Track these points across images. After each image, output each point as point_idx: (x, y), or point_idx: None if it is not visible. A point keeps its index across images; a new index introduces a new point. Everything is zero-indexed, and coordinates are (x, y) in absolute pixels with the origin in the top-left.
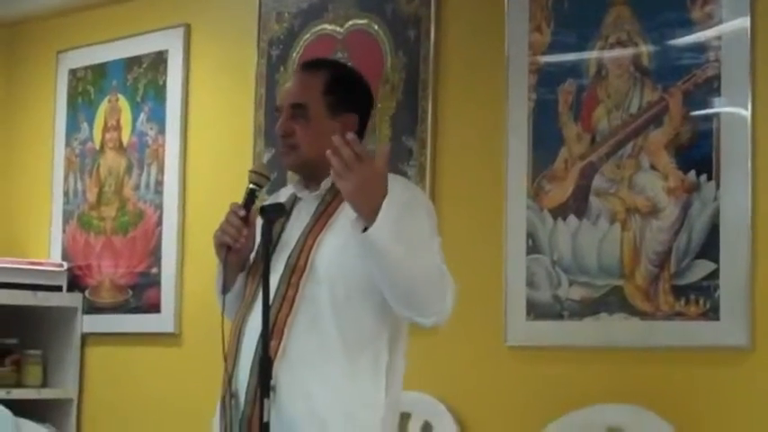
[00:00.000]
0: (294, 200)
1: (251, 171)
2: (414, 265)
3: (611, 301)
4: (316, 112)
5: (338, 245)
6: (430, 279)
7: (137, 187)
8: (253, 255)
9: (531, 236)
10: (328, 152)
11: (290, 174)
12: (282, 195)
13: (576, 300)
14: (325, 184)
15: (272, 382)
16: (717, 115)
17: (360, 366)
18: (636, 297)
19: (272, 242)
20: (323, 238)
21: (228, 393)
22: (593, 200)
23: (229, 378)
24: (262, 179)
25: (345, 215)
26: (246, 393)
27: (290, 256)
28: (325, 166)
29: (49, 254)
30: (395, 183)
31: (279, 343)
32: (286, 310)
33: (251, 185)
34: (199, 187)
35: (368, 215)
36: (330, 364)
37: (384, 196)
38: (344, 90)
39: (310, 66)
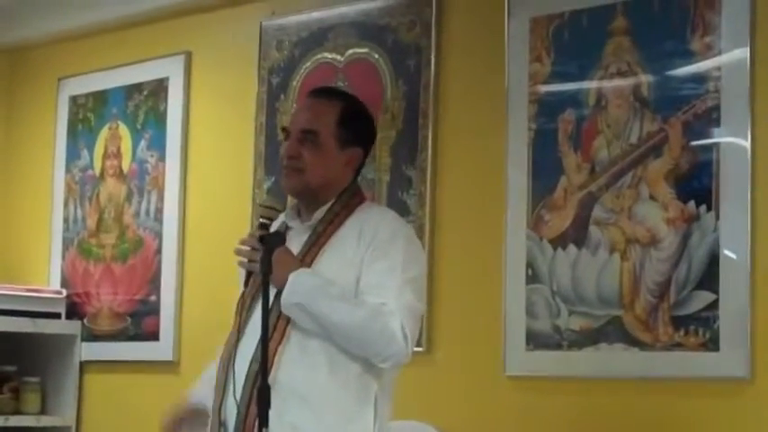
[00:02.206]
0: (285, 229)
1: (260, 205)
2: (337, 321)
3: (611, 332)
4: (326, 140)
5: (329, 274)
6: (360, 329)
7: (136, 215)
8: (241, 287)
9: (530, 265)
10: (236, 249)
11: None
12: (274, 225)
13: (575, 330)
14: (318, 214)
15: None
16: (716, 146)
17: (349, 396)
18: (635, 327)
19: (271, 272)
20: (315, 267)
21: (218, 423)
22: (592, 230)
23: (219, 407)
24: (272, 212)
25: (337, 245)
26: (236, 423)
27: None
28: (324, 195)
29: (49, 281)
30: (379, 221)
31: (269, 372)
32: (277, 340)
33: (261, 220)
34: (199, 215)
35: (281, 287)
36: (319, 394)
37: (291, 270)
38: (355, 124)
39: (325, 94)
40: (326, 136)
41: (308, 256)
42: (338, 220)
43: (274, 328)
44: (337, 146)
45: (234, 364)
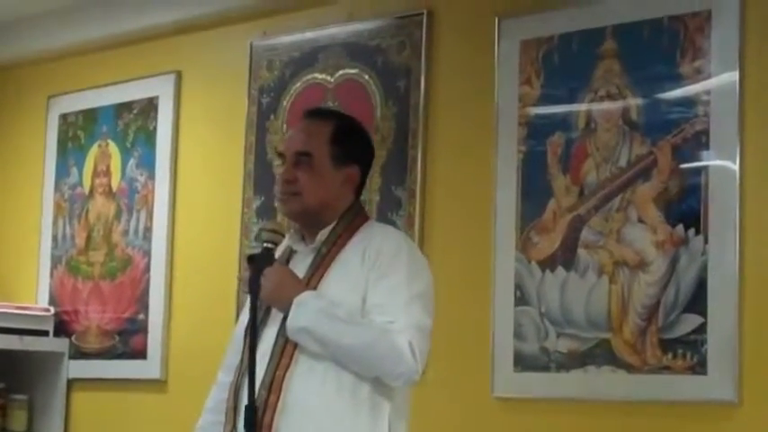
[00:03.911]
0: (290, 252)
1: (262, 229)
2: (343, 343)
3: (599, 354)
4: (320, 161)
5: (335, 296)
6: (367, 350)
7: (125, 233)
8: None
9: (518, 287)
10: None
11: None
12: (279, 249)
13: (563, 352)
14: (321, 236)
15: None
16: (705, 169)
17: (361, 417)
18: (623, 350)
19: (259, 291)
20: (320, 289)
21: None
22: (581, 252)
23: None
24: (275, 236)
25: (341, 266)
26: None
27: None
28: (325, 217)
29: (37, 298)
30: (382, 239)
31: (278, 397)
32: (285, 364)
33: (266, 244)
34: (188, 234)
35: (285, 310)
36: (330, 417)
37: (295, 293)
38: (349, 141)
39: (316, 114)
40: (320, 156)
41: (313, 279)
42: (341, 240)
43: (282, 353)
44: (332, 165)
45: (244, 391)
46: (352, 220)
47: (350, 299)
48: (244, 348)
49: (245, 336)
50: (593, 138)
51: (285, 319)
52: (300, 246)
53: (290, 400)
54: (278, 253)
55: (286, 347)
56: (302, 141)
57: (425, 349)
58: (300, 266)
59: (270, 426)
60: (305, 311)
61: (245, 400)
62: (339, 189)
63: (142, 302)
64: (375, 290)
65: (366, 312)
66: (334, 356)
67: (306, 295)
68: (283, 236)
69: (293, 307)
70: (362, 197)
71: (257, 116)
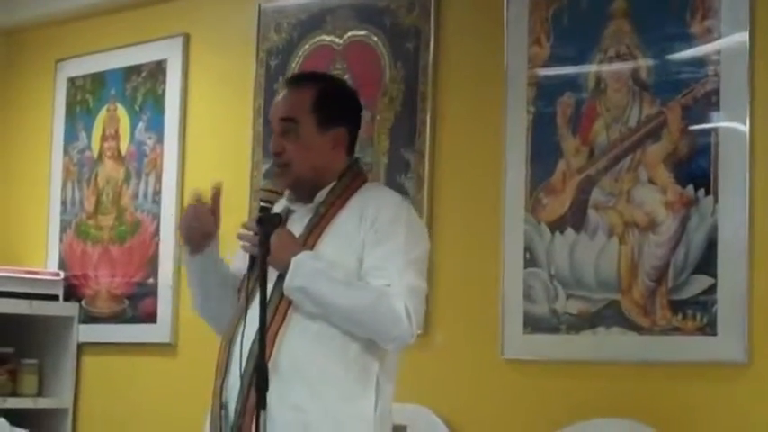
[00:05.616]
0: (287, 212)
1: (261, 189)
2: (340, 304)
3: (609, 315)
4: (305, 128)
5: (331, 256)
6: (364, 312)
7: (134, 197)
8: (240, 268)
9: (528, 249)
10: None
11: None
12: (276, 208)
13: (573, 313)
14: (319, 197)
15: None
16: (715, 130)
17: (350, 378)
18: (633, 311)
19: (269, 252)
20: (316, 249)
21: (219, 404)
22: (591, 213)
23: (220, 389)
24: (272, 195)
25: (338, 227)
26: (237, 404)
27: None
28: (318, 182)
29: (46, 263)
30: (380, 202)
31: (270, 352)
32: (278, 322)
33: (262, 203)
34: None
35: (283, 270)
36: (318, 375)
37: (293, 253)
38: (332, 104)
39: (297, 81)
40: (304, 123)
41: (310, 239)
42: (340, 201)
43: (275, 311)
44: (317, 130)
45: (237, 346)
46: (352, 181)
47: (346, 260)
48: (239, 306)
49: (241, 294)
50: (602, 98)
51: (281, 277)
52: (297, 205)
53: (281, 357)
54: (277, 211)
55: (280, 306)
56: (285, 109)
57: (421, 312)
58: (297, 226)
59: None
60: (302, 271)
61: (236, 354)
62: (330, 152)
63: (152, 266)
64: (373, 253)
65: (363, 274)
66: (329, 317)
67: (303, 255)
68: (279, 194)
69: (291, 267)
70: (370, 159)
71: (265, 79)
